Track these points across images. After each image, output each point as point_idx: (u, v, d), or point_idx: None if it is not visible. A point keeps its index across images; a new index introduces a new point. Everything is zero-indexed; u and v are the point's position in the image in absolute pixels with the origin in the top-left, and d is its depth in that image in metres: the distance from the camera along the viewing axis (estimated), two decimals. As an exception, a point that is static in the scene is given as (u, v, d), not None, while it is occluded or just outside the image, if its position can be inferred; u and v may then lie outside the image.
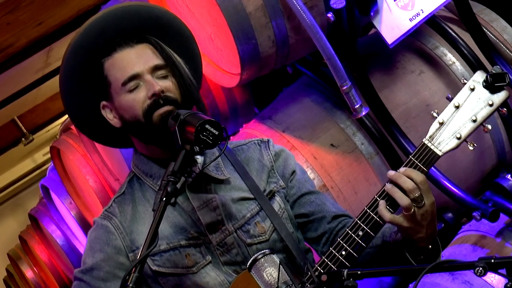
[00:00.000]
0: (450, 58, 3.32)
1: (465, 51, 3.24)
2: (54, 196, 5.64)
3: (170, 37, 2.29)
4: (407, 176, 2.06)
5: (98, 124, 2.32)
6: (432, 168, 2.95)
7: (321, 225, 2.34)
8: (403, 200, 2.04)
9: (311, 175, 3.11)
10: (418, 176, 2.06)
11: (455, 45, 3.27)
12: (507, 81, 2.12)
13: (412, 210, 2.03)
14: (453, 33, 3.28)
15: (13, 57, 4.68)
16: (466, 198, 2.93)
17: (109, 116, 2.27)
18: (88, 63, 2.23)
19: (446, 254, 2.98)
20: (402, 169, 2.09)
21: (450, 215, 3.23)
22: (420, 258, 2.12)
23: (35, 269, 7.11)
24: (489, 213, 2.84)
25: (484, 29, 3.32)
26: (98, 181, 4.62)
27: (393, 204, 2.07)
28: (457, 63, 3.31)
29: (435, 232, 2.11)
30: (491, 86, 2.12)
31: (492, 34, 3.40)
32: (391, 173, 2.09)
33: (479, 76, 2.15)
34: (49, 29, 4.71)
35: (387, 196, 2.08)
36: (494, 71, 2.14)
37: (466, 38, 3.28)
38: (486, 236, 2.88)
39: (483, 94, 2.13)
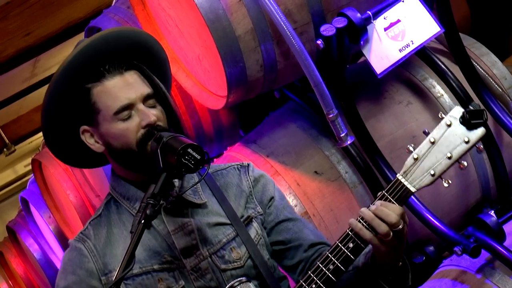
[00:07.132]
0: (439, 90, 3.31)
1: (454, 84, 3.22)
2: (33, 209, 5.61)
3: (151, 60, 2.29)
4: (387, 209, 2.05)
5: (72, 147, 2.31)
6: (415, 200, 2.96)
7: (297, 253, 2.31)
8: (381, 227, 2.03)
9: (293, 202, 3.08)
10: (397, 208, 2.05)
11: (444, 77, 3.25)
12: (484, 119, 2.09)
13: (391, 236, 2.03)
14: (442, 65, 3.26)
15: (-1, 66, 4.68)
16: (448, 233, 2.90)
17: (89, 141, 2.26)
18: (74, 87, 2.20)
19: (426, 288, 2.95)
20: (378, 202, 2.07)
21: (431, 248, 3.20)
22: (389, 279, 2.12)
23: (10, 282, 7.04)
24: (470, 248, 2.81)
25: (474, 63, 3.31)
26: (79, 197, 4.60)
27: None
28: (446, 96, 3.29)
29: (403, 250, 2.12)
30: (468, 122, 2.09)
31: (482, 68, 3.39)
32: (365, 211, 2.06)
33: (456, 112, 2.12)
34: (37, 40, 4.71)
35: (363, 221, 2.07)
36: (471, 108, 2.12)
37: (456, 71, 3.27)
38: (467, 271, 2.84)
39: (460, 130, 2.10)
